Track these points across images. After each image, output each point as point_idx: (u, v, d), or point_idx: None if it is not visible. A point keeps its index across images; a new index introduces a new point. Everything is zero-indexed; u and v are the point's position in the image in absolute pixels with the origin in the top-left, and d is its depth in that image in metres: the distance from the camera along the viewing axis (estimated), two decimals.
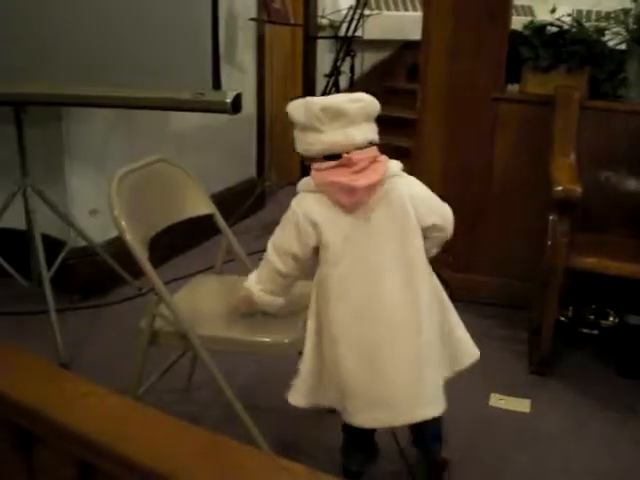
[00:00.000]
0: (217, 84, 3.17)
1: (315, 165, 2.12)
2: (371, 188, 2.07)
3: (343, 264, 2.10)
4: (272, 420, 2.73)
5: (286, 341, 2.27)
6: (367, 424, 2.19)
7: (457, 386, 3.06)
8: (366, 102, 2.13)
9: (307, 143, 2.12)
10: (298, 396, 2.20)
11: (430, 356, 2.17)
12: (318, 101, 2.10)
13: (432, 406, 2.20)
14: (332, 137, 2.07)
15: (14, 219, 3.55)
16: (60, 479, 1.37)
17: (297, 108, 2.12)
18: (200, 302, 2.51)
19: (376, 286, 2.10)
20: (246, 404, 2.44)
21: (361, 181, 2.06)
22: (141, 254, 2.24)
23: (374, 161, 2.11)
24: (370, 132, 2.14)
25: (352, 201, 2.06)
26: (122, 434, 1.21)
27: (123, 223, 2.21)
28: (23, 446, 1.40)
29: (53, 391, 1.35)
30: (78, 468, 1.28)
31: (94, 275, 3.79)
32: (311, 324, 2.17)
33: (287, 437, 2.69)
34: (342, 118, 2.07)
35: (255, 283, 2.25)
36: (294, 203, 2.14)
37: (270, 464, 1.17)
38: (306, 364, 2.17)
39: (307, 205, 2.11)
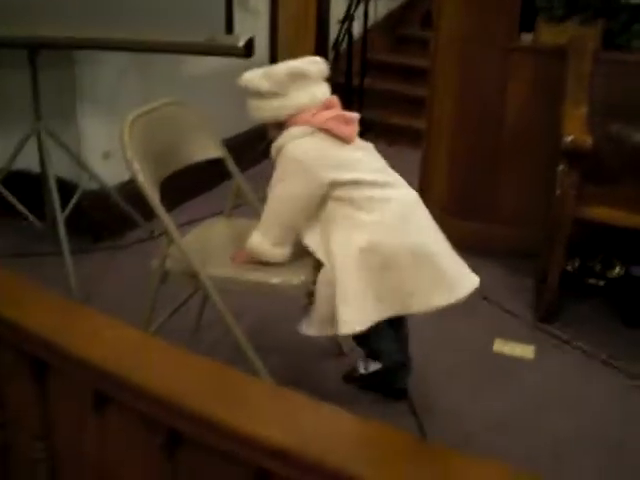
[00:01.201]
0: (230, 28, 3.16)
1: (305, 115, 2.28)
2: (356, 121, 2.35)
3: (368, 182, 2.28)
4: (279, 360, 2.80)
5: (295, 282, 2.31)
6: (437, 304, 2.29)
7: (462, 329, 3.13)
8: (323, 64, 2.35)
9: (274, 108, 2.30)
10: (313, 328, 2.33)
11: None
12: (279, 67, 2.29)
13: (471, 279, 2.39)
14: (297, 99, 2.29)
15: (28, 161, 3.59)
16: (74, 409, 1.42)
17: (258, 78, 2.29)
18: (210, 244, 2.55)
19: (407, 196, 2.36)
20: (254, 344, 2.50)
21: (349, 114, 2.34)
22: (153, 196, 2.28)
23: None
24: (327, 89, 2.38)
25: (351, 129, 2.32)
26: (136, 365, 1.26)
27: (136, 165, 2.24)
28: (38, 376, 1.45)
29: (69, 323, 1.40)
30: (93, 398, 1.33)
31: (107, 218, 3.83)
32: (355, 244, 2.23)
33: (293, 376, 2.74)
34: (304, 80, 2.29)
35: (262, 239, 2.33)
36: (296, 151, 2.26)
37: (276, 394, 1.22)
38: (350, 286, 2.23)
39: (311, 148, 2.26)
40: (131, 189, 3.54)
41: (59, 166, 3.55)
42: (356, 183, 2.26)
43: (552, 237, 3.11)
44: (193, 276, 2.35)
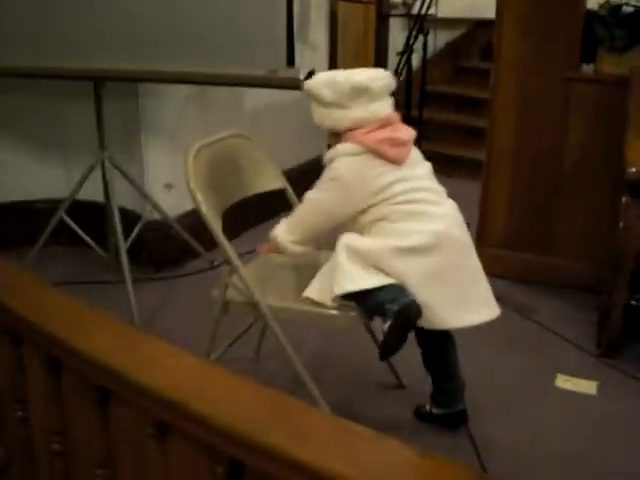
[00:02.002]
0: (291, 61, 3.21)
1: (358, 132, 2.30)
2: (411, 141, 2.37)
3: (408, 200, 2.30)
4: (337, 390, 2.79)
5: (353, 313, 2.31)
6: (450, 324, 2.32)
7: (525, 364, 3.08)
8: (388, 79, 2.35)
9: (334, 119, 2.33)
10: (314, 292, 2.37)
11: None
12: (344, 79, 2.29)
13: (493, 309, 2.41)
14: (359, 113, 2.30)
15: (93, 192, 3.67)
16: (136, 436, 1.43)
17: (322, 86, 2.31)
18: (271, 274, 2.57)
19: (446, 214, 2.37)
20: (312, 375, 2.50)
21: (403, 134, 2.35)
22: (216, 226, 2.30)
23: (401, 124, 2.40)
24: (390, 105, 2.38)
25: (400, 151, 2.31)
26: (198, 393, 1.27)
27: (199, 196, 2.27)
28: (101, 403, 1.47)
29: (132, 351, 1.41)
30: (154, 426, 1.34)
31: (168, 247, 3.89)
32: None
33: (351, 407, 2.73)
34: (367, 94, 2.29)
35: (285, 234, 2.41)
36: (341, 169, 2.29)
37: (336, 426, 1.21)
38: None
39: (355, 169, 2.29)
40: (192, 219, 3.62)
41: (122, 196, 3.62)
42: (394, 203, 2.29)
43: (616, 270, 3.05)
44: (253, 306, 2.37)
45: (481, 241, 3.82)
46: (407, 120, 5.25)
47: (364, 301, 2.28)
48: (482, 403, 2.75)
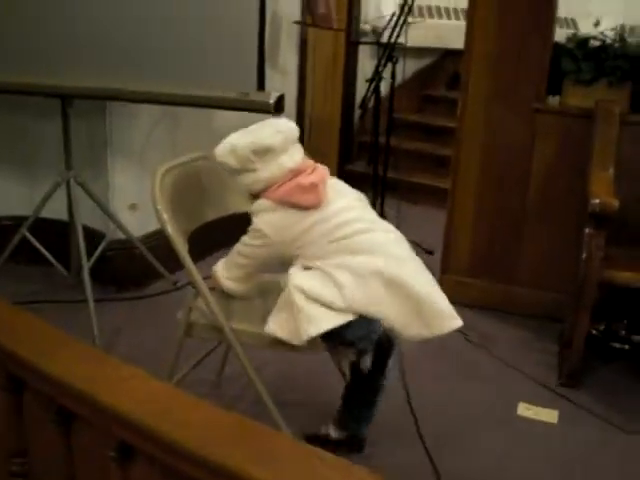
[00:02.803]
0: (261, 85, 3.23)
1: (271, 189, 2.34)
2: (323, 181, 2.36)
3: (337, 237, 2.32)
4: (299, 415, 2.77)
5: (315, 343, 2.30)
6: (412, 334, 2.33)
7: (486, 393, 3.09)
8: (287, 132, 2.38)
9: (247, 184, 2.38)
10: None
11: None
12: (244, 144, 2.32)
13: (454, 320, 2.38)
14: (268, 172, 2.33)
15: (56, 210, 3.63)
16: (99, 459, 1.41)
17: (226, 156, 2.35)
18: (235, 298, 2.55)
19: (383, 236, 2.39)
20: (274, 399, 2.49)
21: (313, 178, 2.35)
22: (181, 247, 2.30)
23: (314, 167, 2.41)
24: (297, 153, 2.40)
25: (312, 197, 2.32)
26: (162, 416, 1.25)
27: (164, 216, 2.26)
28: (64, 425, 1.45)
29: (97, 373, 1.40)
30: (117, 449, 1.32)
31: (131, 268, 3.86)
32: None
33: (313, 430, 2.71)
34: (270, 153, 2.32)
35: (222, 272, 2.45)
36: (261, 225, 2.34)
37: (301, 450, 1.20)
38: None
39: (273, 224, 2.32)
40: (156, 240, 3.60)
41: (86, 215, 3.59)
42: (321, 245, 2.31)
43: (577, 300, 3.09)
44: (218, 329, 2.35)
45: (445, 268, 3.85)
46: (374, 148, 5.31)
47: (332, 338, 2.28)
48: (444, 432, 2.75)
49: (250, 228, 2.37)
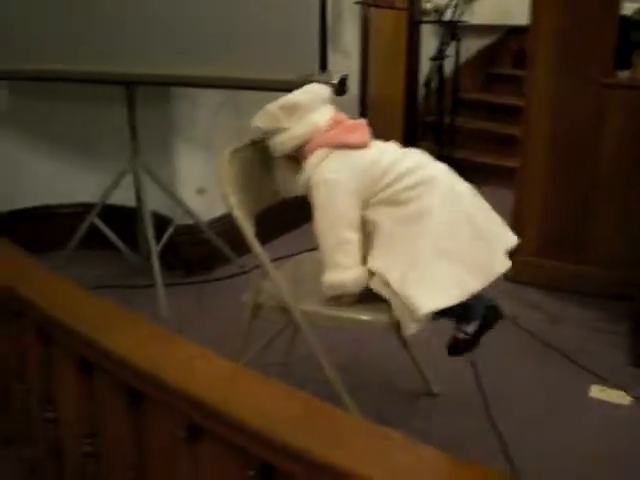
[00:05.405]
0: (324, 66, 3.22)
1: (314, 141, 2.32)
2: (364, 125, 2.40)
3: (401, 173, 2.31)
4: (368, 396, 2.76)
5: (384, 319, 2.28)
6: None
7: (557, 374, 3.04)
8: (315, 91, 2.41)
9: (281, 143, 2.36)
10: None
11: None
12: (273, 104, 2.34)
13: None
14: (300, 129, 2.33)
15: (124, 196, 3.68)
16: (168, 439, 1.43)
17: (258, 119, 2.37)
18: (303, 279, 2.55)
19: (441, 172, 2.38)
20: (344, 381, 2.47)
21: (356, 121, 2.41)
22: (248, 230, 2.30)
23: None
24: (328, 112, 2.40)
25: (359, 135, 2.35)
26: (230, 396, 1.25)
27: (232, 199, 2.27)
28: (133, 405, 1.47)
29: (164, 353, 1.41)
30: (186, 429, 1.34)
31: (199, 252, 3.89)
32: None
33: (382, 413, 2.70)
34: (299, 109, 2.32)
35: (329, 274, 2.30)
36: (324, 174, 2.29)
37: (369, 431, 1.19)
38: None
39: (335, 166, 2.29)
40: (223, 224, 3.62)
41: (154, 201, 3.63)
42: (389, 180, 2.29)
43: None
44: (285, 310, 2.35)
45: (513, 249, 3.78)
46: (439, 127, 5.24)
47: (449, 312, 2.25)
48: (515, 415, 2.71)
49: (315, 199, 2.31)
